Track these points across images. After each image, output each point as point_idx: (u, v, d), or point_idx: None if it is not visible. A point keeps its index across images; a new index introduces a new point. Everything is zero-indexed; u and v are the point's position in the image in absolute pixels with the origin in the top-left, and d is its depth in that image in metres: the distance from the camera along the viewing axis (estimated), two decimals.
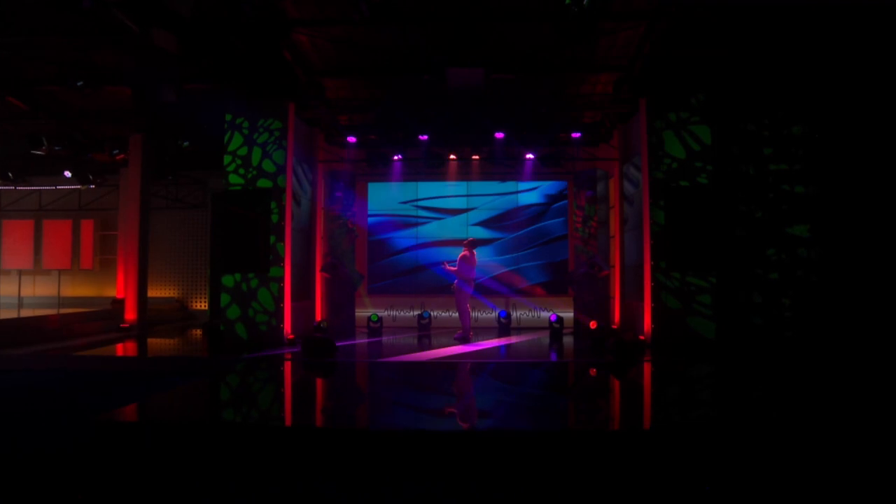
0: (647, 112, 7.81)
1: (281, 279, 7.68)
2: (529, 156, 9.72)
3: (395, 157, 9.81)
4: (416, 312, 10.31)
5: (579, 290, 8.99)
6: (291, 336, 7.83)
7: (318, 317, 9.45)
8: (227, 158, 7.97)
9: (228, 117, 7.99)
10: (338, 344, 7.79)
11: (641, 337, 7.53)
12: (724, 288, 7.51)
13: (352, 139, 9.41)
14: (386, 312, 10.39)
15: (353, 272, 9.17)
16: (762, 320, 7.47)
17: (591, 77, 9.10)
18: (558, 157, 9.62)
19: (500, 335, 9.35)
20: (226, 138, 7.98)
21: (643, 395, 5.16)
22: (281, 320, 7.63)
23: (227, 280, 7.60)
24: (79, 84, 6.11)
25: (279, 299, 7.66)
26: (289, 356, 6.95)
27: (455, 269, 8.48)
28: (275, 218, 7.78)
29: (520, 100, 9.17)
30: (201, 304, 12.34)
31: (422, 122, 9.44)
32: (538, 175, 10.19)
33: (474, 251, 8.71)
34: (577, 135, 9.04)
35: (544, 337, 8.88)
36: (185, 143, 8.89)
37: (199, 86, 7.98)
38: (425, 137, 9.24)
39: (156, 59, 6.23)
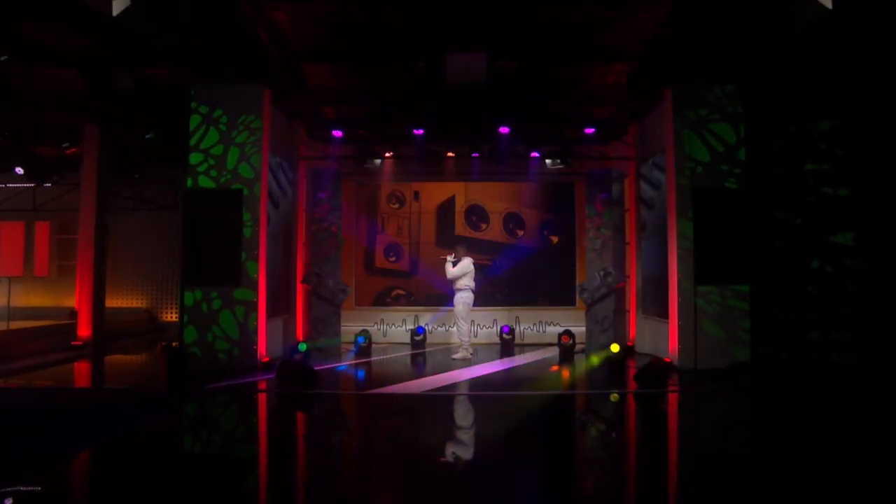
0: (672, 105, 6.89)
1: (250, 302, 6.58)
2: (534, 154, 8.79)
3: (386, 154, 8.83)
4: (409, 327, 9.32)
5: (592, 304, 8.06)
6: (266, 358, 6.81)
7: (299, 333, 8.43)
8: (196, 157, 6.81)
9: (204, 109, 6.82)
10: (320, 367, 6.79)
11: (667, 359, 6.62)
12: (762, 305, 6.64)
13: (337, 133, 8.40)
14: (376, 327, 9.39)
15: (338, 283, 8.15)
16: (806, 342, 6.60)
17: (601, 68, 8.17)
18: (566, 156, 8.69)
19: (502, 353, 8.40)
20: (198, 134, 6.83)
21: (677, 447, 4.24)
22: (246, 347, 6.53)
23: (187, 297, 6.54)
24: (2, 59, 5.05)
25: (244, 326, 6.56)
26: (262, 385, 5.93)
27: (454, 270, 7.55)
28: (248, 232, 6.66)
29: (524, 92, 8.23)
30: (172, 316, 11.22)
31: (416, 115, 8.46)
32: (544, 175, 9.26)
33: (471, 258, 7.81)
34: (590, 130, 8.12)
35: (553, 356, 7.94)
36: (150, 136, 7.80)
37: (161, 70, 6.93)
38: (420, 132, 8.26)
39: (93, 28, 5.19)
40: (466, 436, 4.43)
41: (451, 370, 6.78)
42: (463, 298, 7.67)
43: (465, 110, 8.50)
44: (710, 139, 6.92)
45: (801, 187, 6.82)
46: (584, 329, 8.98)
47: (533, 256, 9.53)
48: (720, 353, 6.61)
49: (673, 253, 6.78)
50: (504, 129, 8.08)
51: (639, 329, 8.34)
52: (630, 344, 8.20)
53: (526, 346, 8.96)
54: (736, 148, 6.87)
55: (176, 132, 7.80)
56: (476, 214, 9.68)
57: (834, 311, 6.52)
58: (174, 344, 6.84)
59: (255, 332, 6.60)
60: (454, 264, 7.64)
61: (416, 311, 9.50)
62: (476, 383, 6.11)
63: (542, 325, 9.42)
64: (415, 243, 9.68)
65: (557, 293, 9.53)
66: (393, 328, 9.45)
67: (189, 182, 6.81)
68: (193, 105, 6.85)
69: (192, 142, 6.84)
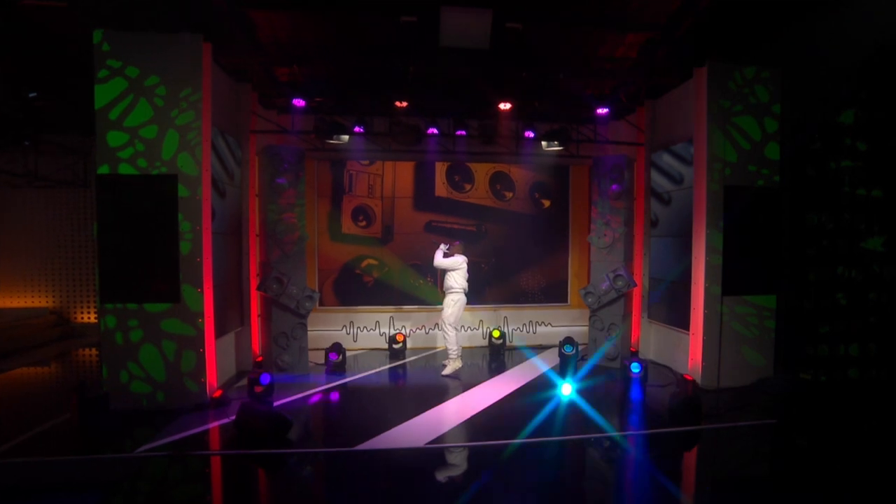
0: (708, 89, 5.89)
1: (186, 338, 5.09)
2: (529, 134, 7.62)
3: (356, 129, 7.32)
4: (384, 330, 8.14)
5: (598, 308, 7.21)
6: (219, 392, 5.42)
7: (255, 347, 7.00)
8: (118, 137, 5.00)
9: (133, 72, 4.97)
10: (288, 399, 5.54)
11: (687, 376, 5.92)
12: (791, 317, 6.06)
13: (299, 102, 6.79)
14: (345, 331, 8.13)
15: (304, 289, 6.75)
16: (836, 356, 6.11)
17: (615, 36, 7.00)
18: (566, 138, 7.61)
19: (492, 361, 7.47)
20: (123, 105, 4.98)
21: None
22: (177, 392, 5.08)
23: (101, 323, 4.94)
24: None
25: (175, 367, 5.05)
26: (215, 439, 4.58)
27: (444, 260, 6.62)
28: (186, 247, 5.06)
29: (525, 61, 6.94)
30: (90, 317, 9.30)
31: (397, 82, 6.98)
32: (538, 157, 8.15)
33: (465, 258, 6.75)
34: (603, 112, 7.03)
35: (553, 366, 7.07)
36: (33, 94, 5.84)
37: (46, 2, 5.00)
38: (405, 105, 6.82)
39: None
40: None
41: (447, 399, 5.72)
42: (454, 301, 6.63)
43: (455, 79, 7.13)
44: (734, 134, 6.04)
45: (838, 189, 6.16)
46: (579, 329, 8.23)
47: (527, 253, 8.49)
48: (743, 369, 6.03)
49: (700, 263, 5.98)
50: (507, 106, 6.81)
51: (644, 334, 7.65)
52: (633, 350, 7.49)
53: (516, 351, 8.06)
54: (762, 144, 6.07)
55: (77, 91, 5.89)
56: (460, 174, 8.44)
57: (865, 321, 6.05)
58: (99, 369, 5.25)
59: (194, 373, 5.14)
60: (445, 255, 6.64)
61: (390, 312, 8.29)
62: (481, 421, 5.08)
63: (533, 326, 8.55)
64: (389, 205, 8.31)
65: (550, 290, 8.64)
66: (365, 332, 8.22)
67: (105, 168, 5.05)
68: (116, 64, 5.00)
69: (113, 115, 5.05)
